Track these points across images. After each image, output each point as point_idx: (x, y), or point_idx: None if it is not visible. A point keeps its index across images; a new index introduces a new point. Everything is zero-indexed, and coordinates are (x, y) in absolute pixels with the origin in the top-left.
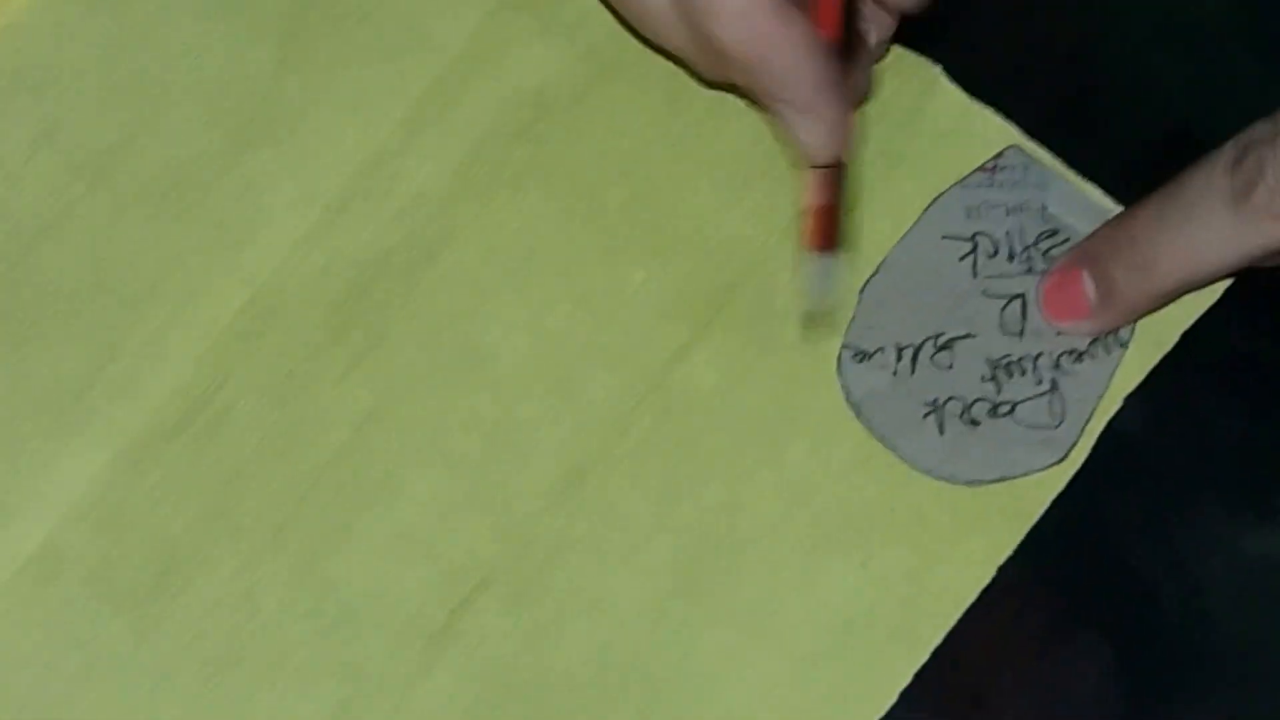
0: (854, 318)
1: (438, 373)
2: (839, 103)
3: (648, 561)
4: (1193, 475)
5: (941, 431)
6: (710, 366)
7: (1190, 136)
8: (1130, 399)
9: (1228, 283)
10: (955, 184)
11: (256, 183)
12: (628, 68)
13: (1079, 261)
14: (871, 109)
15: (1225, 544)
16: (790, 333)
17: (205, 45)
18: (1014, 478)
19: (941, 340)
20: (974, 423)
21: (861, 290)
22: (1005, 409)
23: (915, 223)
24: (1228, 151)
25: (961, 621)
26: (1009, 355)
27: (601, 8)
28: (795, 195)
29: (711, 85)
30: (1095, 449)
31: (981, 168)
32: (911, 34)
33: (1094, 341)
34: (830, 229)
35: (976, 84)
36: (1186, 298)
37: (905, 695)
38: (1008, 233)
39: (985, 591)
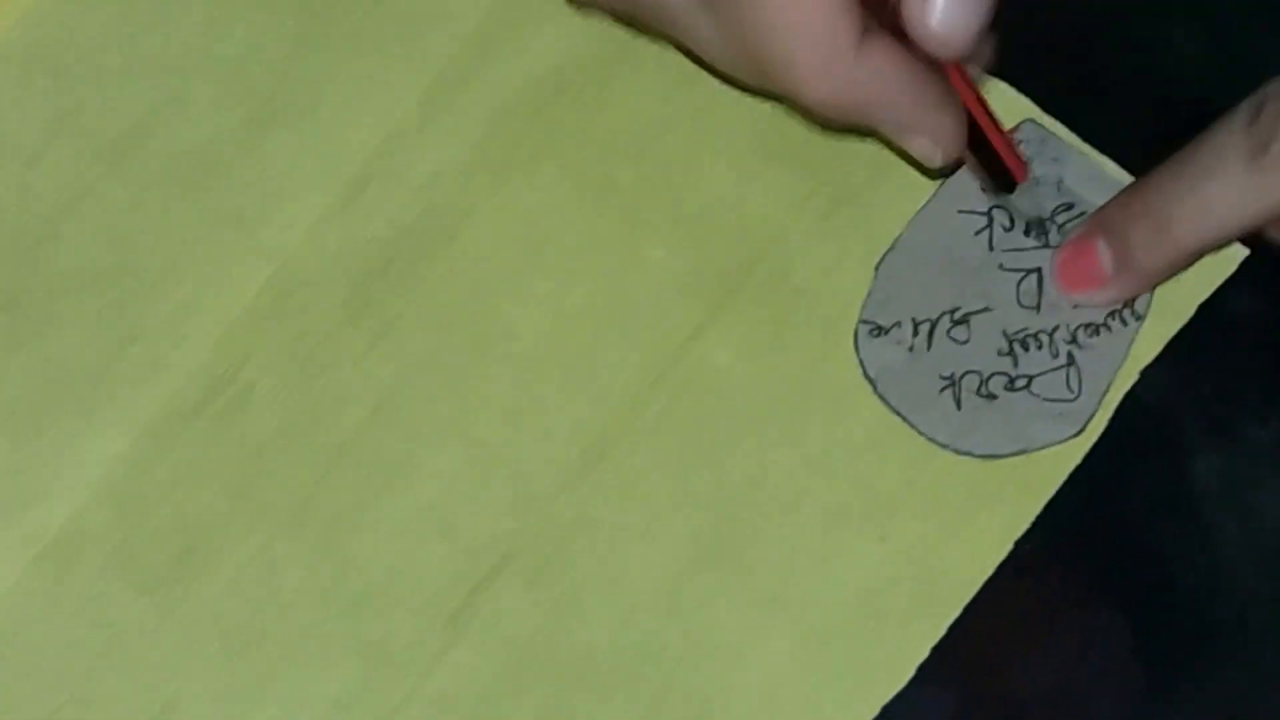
0: (870, 293)
1: (456, 351)
2: (944, 108)
3: (666, 538)
4: (1211, 448)
5: (958, 406)
6: (727, 343)
7: (1207, 110)
8: (1147, 371)
9: (1244, 254)
10: None
11: (275, 163)
12: (644, 46)
13: (1094, 230)
14: None
15: (1244, 517)
16: (806, 309)
17: (223, 26)
18: (1031, 451)
19: (958, 315)
20: (991, 396)
21: (878, 265)
22: (1022, 383)
23: (931, 198)
24: (1244, 108)
25: (978, 596)
26: (1025, 329)
27: None
28: (811, 172)
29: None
30: (1112, 422)
31: None
32: None
33: (1110, 314)
34: (1012, 157)
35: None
36: (1203, 269)
37: (922, 669)
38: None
39: (1002, 566)
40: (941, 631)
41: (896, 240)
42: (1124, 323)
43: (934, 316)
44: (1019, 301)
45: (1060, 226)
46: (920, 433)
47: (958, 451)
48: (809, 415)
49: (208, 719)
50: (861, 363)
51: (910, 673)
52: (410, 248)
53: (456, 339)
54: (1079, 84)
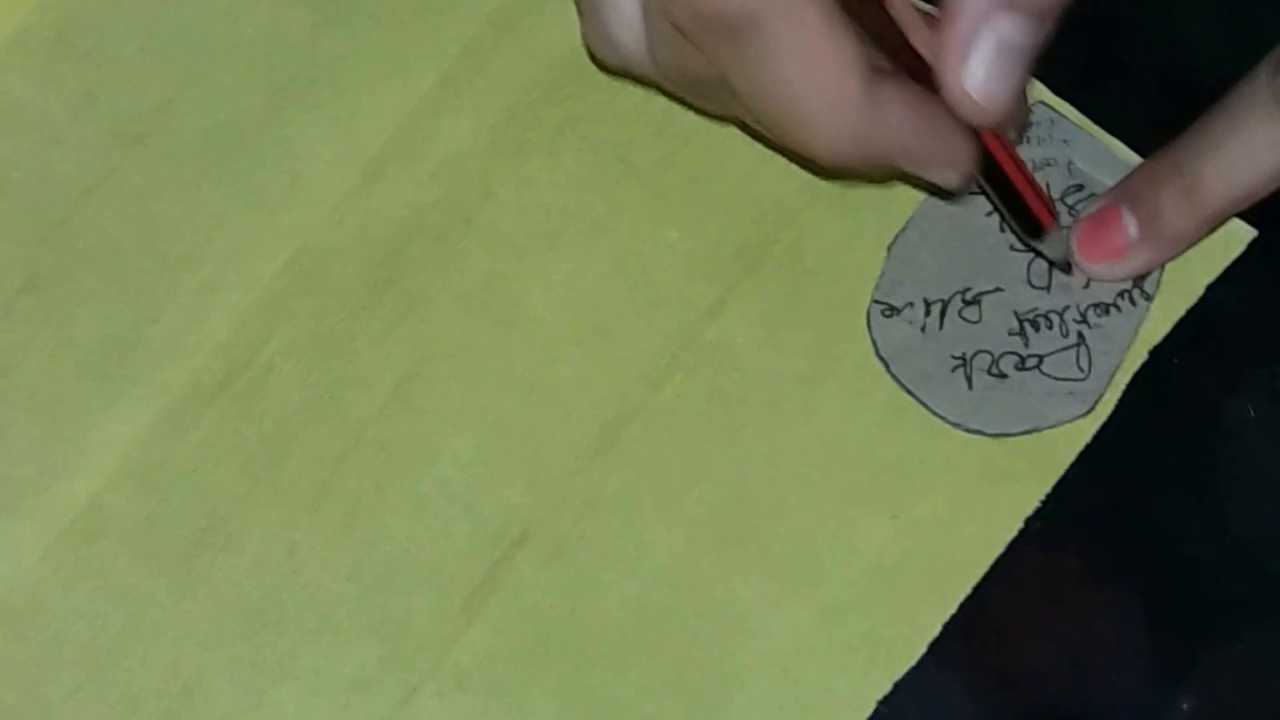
0: (883, 273)
1: (475, 331)
2: (957, 136)
3: (682, 515)
4: (1220, 425)
5: (970, 385)
6: (743, 323)
7: (1217, 91)
8: (1157, 351)
9: (1253, 234)
10: None
11: (295, 144)
12: None
13: (1117, 200)
14: None
15: (1255, 493)
16: (820, 289)
17: (244, 8)
18: (1042, 430)
19: (969, 295)
20: (1002, 376)
21: (890, 246)
22: (1033, 362)
23: None
24: (1266, 62)
25: (990, 573)
26: (1036, 309)
27: None
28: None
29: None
30: (1122, 401)
31: None
32: None
33: (1120, 294)
34: (1041, 205)
35: None
36: (1211, 249)
37: (934, 646)
38: None
39: (1013, 543)
40: (954, 608)
41: (909, 221)
42: (1133, 303)
43: (946, 297)
44: (1030, 282)
45: (1071, 208)
46: (932, 411)
47: (969, 430)
48: (822, 394)
49: (227, 697)
50: (874, 342)
51: (923, 649)
52: (429, 228)
53: (475, 319)
54: (1089, 66)
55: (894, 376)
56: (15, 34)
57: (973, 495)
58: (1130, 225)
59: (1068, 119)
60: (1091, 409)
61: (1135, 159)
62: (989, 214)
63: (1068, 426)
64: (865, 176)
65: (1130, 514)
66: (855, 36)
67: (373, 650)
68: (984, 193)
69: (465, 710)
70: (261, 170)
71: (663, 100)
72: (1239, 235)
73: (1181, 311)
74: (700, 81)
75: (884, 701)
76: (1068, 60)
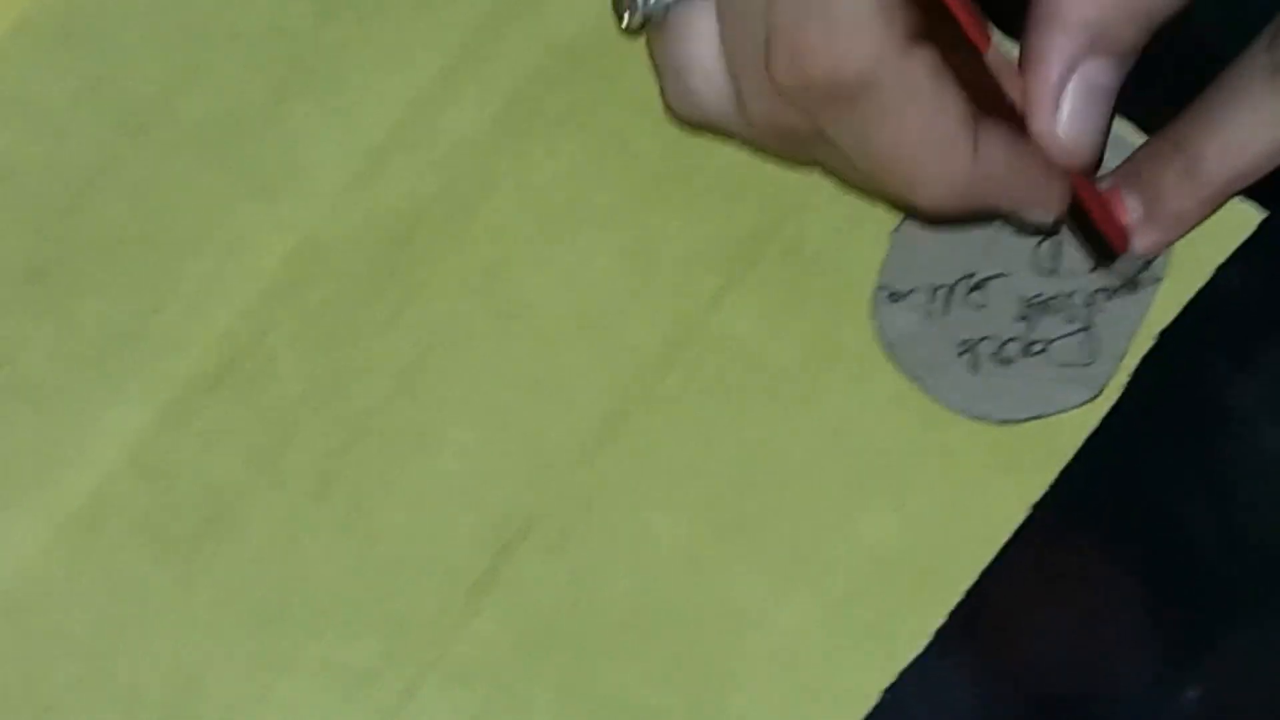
0: (887, 259)
1: (478, 321)
2: (1051, 176)
3: (686, 504)
4: (1229, 410)
5: (975, 371)
6: (746, 311)
7: (1220, 66)
8: (1164, 335)
9: (1261, 217)
10: None
11: (298, 133)
12: None
13: (1119, 181)
14: None
15: (1264, 480)
16: (823, 276)
17: None
18: (1048, 416)
19: (975, 280)
20: (1007, 362)
21: (895, 231)
22: (1038, 347)
23: None
24: (1264, 34)
25: (995, 562)
26: (1042, 293)
27: None
28: None
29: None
30: (1129, 386)
31: None
32: None
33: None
34: (1116, 231)
35: (1007, 20)
36: (1220, 231)
37: (940, 635)
38: None
39: (1019, 531)
40: (959, 597)
41: None
42: (1141, 286)
43: (951, 282)
44: (1035, 267)
45: None
46: (937, 398)
47: (974, 417)
48: (826, 382)
49: (230, 688)
50: (878, 328)
51: (928, 638)
52: (432, 218)
53: (478, 309)
54: None
55: (898, 363)
56: (17, 23)
57: (978, 483)
58: (1133, 206)
59: None
60: (1098, 394)
61: (1138, 138)
62: None
63: (1074, 412)
64: (961, 220)
65: (1137, 501)
66: (958, 89)
67: (375, 642)
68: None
69: (467, 702)
70: (264, 160)
71: None
72: (1248, 217)
73: (1190, 294)
74: (795, 136)
75: (889, 691)
76: None
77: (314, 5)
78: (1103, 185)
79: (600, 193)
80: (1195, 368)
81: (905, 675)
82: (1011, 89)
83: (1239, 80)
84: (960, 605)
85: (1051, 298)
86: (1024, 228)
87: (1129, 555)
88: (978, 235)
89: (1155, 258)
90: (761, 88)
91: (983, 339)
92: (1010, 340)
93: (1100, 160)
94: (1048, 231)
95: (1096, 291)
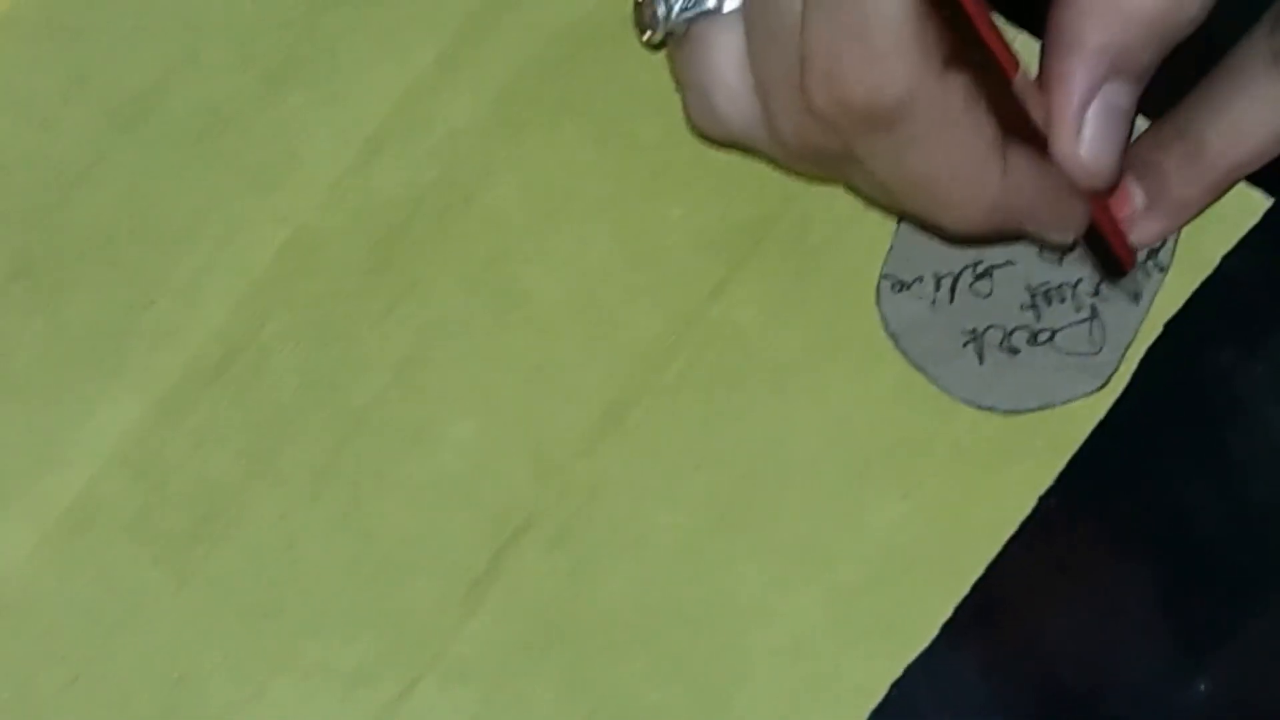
0: (892, 247)
1: (476, 312)
2: (1073, 196)
3: (688, 498)
4: (1236, 398)
5: (981, 360)
6: (748, 301)
7: (1223, 51)
8: (1171, 324)
9: (1267, 204)
10: None
11: (291, 123)
12: None
13: (1123, 168)
14: None
15: (1272, 468)
16: (827, 265)
17: None
18: (1054, 406)
19: (980, 268)
20: (1013, 351)
21: (899, 220)
22: (1045, 336)
23: None
24: (1265, 19)
25: (1003, 553)
26: (1048, 282)
27: None
28: None
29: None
30: (1136, 375)
31: None
32: None
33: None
34: (1124, 248)
35: (1010, 8)
36: (1226, 219)
37: (947, 627)
38: None
39: (1026, 522)
40: (966, 589)
41: None
42: (1147, 275)
43: (956, 270)
44: (1041, 255)
45: None
46: (942, 388)
47: (980, 407)
48: (831, 372)
49: (225, 689)
50: (883, 318)
51: (935, 631)
52: (429, 207)
53: (476, 300)
54: None
55: (903, 353)
56: (5, 15)
57: (985, 473)
58: (1136, 194)
59: None
60: (1105, 384)
61: (1140, 124)
62: None
63: (1081, 402)
64: (985, 241)
65: (1145, 490)
66: (988, 112)
67: (373, 641)
68: None
69: (467, 701)
70: (256, 151)
71: (665, 74)
72: (1254, 204)
73: (1196, 283)
74: (823, 155)
75: (896, 685)
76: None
77: None
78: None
79: (599, 181)
80: (1202, 356)
81: (913, 669)
82: (1036, 112)
83: (1240, 66)
84: (968, 598)
85: (1058, 286)
86: (1044, 247)
87: (1137, 545)
88: None
89: (1161, 246)
90: (792, 108)
91: (989, 328)
92: (1016, 329)
93: (1119, 181)
94: (1065, 250)
95: (1104, 280)
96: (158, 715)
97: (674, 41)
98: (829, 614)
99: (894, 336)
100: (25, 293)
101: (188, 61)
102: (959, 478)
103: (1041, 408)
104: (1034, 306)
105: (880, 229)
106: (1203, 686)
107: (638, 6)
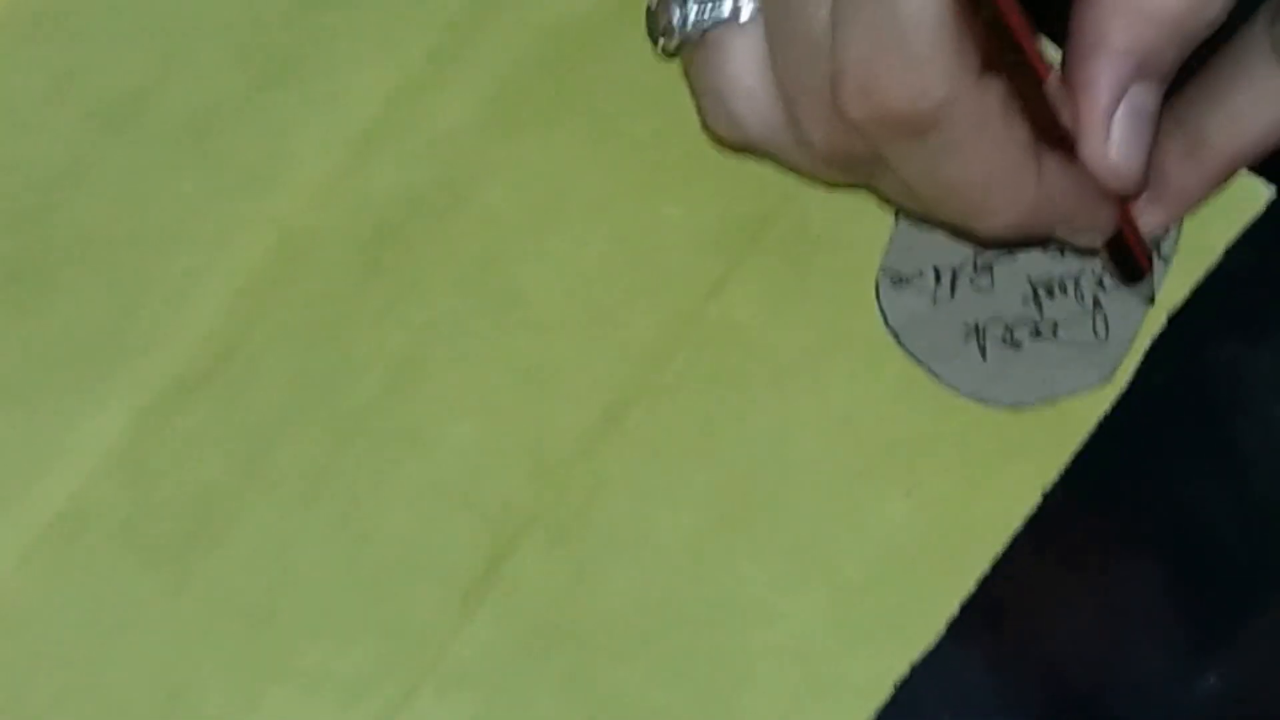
0: (891, 241)
1: (471, 314)
2: (1102, 200)
3: (689, 498)
4: (1241, 390)
5: (983, 354)
6: (747, 298)
7: (1223, 41)
8: (1175, 316)
9: (1270, 195)
10: None
11: (281, 123)
12: None
13: None
14: None
15: (1278, 459)
16: (826, 261)
17: None
18: (1058, 400)
19: (981, 262)
20: (1016, 344)
21: (898, 213)
22: (1048, 329)
23: None
24: (1264, 10)
25: (1008, 549)
26: (1050, 274)
27: None
28: None
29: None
30: (1140, 368)
31: None
32: None
33: None
34: (1142, 251)
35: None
36: (1229, 210)
37: (952, 625)
38: None
39: (1031, 517)
40: (971, 586)
41: None
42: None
43: (957, 264)
44: (1043, 247)
45: None
46: (945, 383)
47: (983, 402)
48: (831, 368)
49: (220, 698)
50: (884, 313)
51: (940, 628)
52: (422, 208)
53: (471, 301)
54: None
55: (904, 348)
56: None
57: (989, 469)
58: None
59: None
60: (1109, 376)
61: None
62: None
63: (1086, 396)
64: (1015, 244)
65: (1151, 484)
66: (1023, 117)
67: (370, 648)
68: None
69: (466, 708)
70: (246, 152)
71: (660, 70)
72: (1257, 195)
73: (1200, 274)
74: (852, 162)
75: (901, 685)
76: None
77: None
78: None
79: (594, 179)
80: (1206, 349)
81: (918, 668)
82: (1066, 115)
83: (1239, 57)
84: (973, 595)
85: (1060, 278)
86: (1072, 250)
87: (1143, 539)
88: None
89: (1163, 237)
90: (821, 115)
91: (990, 322)
92: (1019, 323)
93: (1146, 183)
94: (1089, 252)
95: (1106, 272)
96: None
97: (689, 48)
98: (832, 613)
99: (894, 332)
100: (11, 298)
101: (175, 62)
102: (962, 474)
103: (1045, 402)
104: (1036, 300)
105: (879, 224)
106: (1210, 682)
107: (650, 14)
